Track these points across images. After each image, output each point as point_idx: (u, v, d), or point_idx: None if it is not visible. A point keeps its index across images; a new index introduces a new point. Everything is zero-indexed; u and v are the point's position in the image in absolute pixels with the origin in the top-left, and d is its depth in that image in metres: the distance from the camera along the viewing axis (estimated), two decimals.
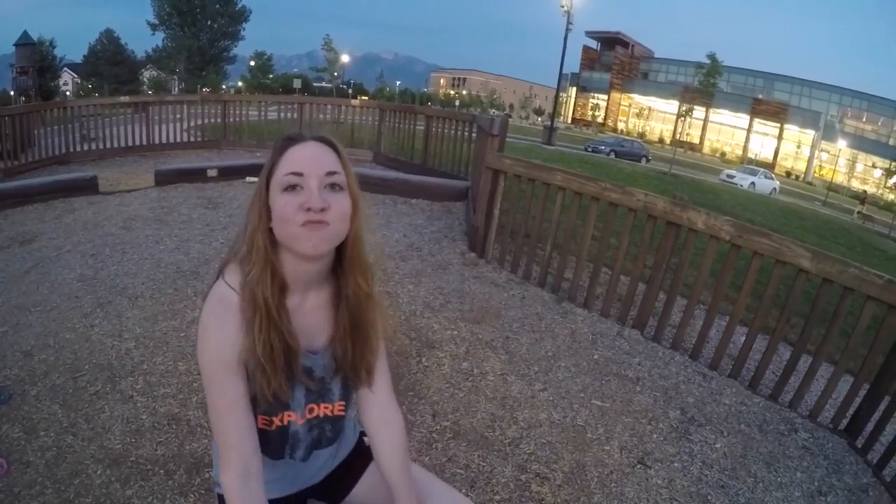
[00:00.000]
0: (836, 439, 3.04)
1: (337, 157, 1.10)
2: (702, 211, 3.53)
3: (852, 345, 3.12)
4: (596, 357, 3.45)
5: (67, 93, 49.28)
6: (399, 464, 1.26)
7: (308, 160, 1.06)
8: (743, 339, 3.51)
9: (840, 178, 48.69)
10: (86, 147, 8.97)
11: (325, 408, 1.23)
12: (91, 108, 9.55)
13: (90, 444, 2.26)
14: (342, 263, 1.14)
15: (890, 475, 2.74)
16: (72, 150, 8.72)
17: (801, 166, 51.97)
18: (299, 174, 1.05)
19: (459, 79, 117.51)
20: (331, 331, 1.19)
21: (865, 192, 42.13)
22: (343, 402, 1.26)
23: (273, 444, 1.20)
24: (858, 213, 27.55)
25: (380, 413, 1.29)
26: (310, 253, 1.05)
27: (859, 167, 50.62)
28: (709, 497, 2.41)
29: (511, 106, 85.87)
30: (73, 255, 4.23)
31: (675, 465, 2.59)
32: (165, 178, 6.71)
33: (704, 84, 26.29)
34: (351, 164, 1.13)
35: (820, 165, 51.57)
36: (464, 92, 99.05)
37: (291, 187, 1.05)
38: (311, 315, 1.16)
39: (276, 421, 1.17)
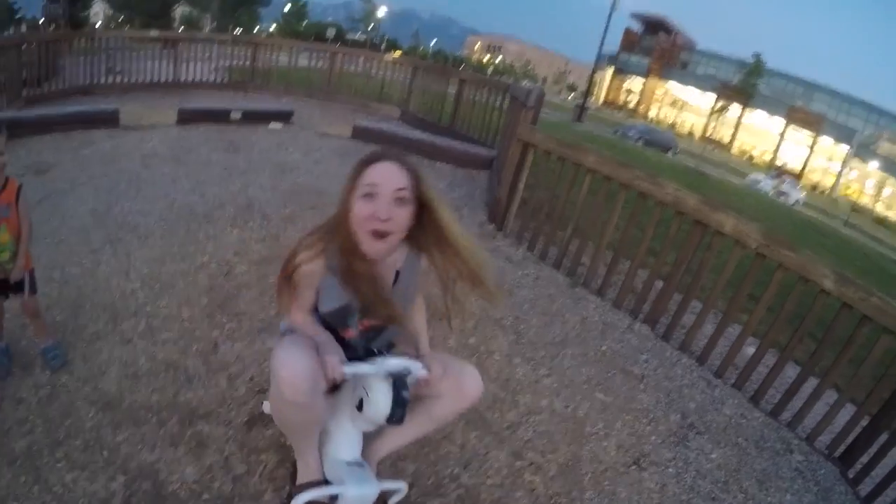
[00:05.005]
0: (830, 466, 2.98)
1: (407, 174, 1.49)
2: (731, 214, 3.42)
3: (860, 375, 3.04)
4: (604, 349, 3.40)
5: (97, 24, 48.92)
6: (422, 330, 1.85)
7: (384, 175, 1.48)
8: (752, 350, 3.43)
9: (866, 200, 47.65)
10: (111, 80, 8.89)
11: (373, 322, 1.68)
12: (119, 41, 9.47)
13: (85, 385, 2.23)
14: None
15: None
16: (96, 81, 8.64)
17: (828, 181, 50.75)
18: (375, 185, 1.47)
19: (495, 45, 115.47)
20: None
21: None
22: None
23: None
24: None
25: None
26: (368, 256, 1.51)
27: (887, 192, 49.38)
28: None
29: (545, 79, 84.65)
30: (88, 189, 4.20)
31: (670, 470, 2.55)
32: (188, 117, 6.65)
33: (745, 83, 25.76)
34: (426, 179, 1.55)
35: (847, 184, 50.37)
36: (498, 59, 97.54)
37: (368, 196, 1.47)
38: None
39: (339, 333, 1.67)
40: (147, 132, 6.06)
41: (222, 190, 4.49)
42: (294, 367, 1.43)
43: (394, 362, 1.53)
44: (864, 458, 2.93)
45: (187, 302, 2.90)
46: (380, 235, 1.47)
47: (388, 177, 1.47)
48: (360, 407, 1.58)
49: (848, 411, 3.14)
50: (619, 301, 3.94)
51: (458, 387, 1.69)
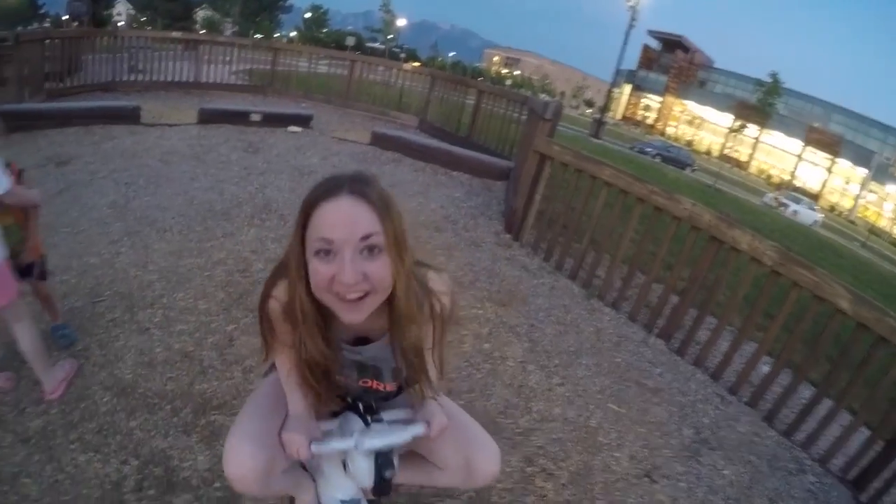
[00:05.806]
0: (842, 489, 2.92)
1: (373, 212, 1.04)
2: (747, 231, 3.39)
3: (876, 398, 3.00)
4: (618, 360, 3.37)
5: (120, 23, 49.68)
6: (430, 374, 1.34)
7: (341, 224, 1.02)
8: (767, 369, 3.39)
9: (884, 223, 47.14)
10: (132, 77, 8.99)
11: (377, 384, 1.34)
12: (142, 41, 9.59)
13: (101, 371, 2.26)
14: (393, 305, 1.15)
15: None
16: (118, 79, 8.74)
17: (846, 203, 50.25)
18: (330, 241, 1.02)
19: (513, 59, 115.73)
20: (381, 331, 1.25)
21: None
22: (395, 384, 1.35)
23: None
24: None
25: None
26: (346, 323, 1.11)
27: None
28: None
29: (562, 94, 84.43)
30: (107, 182, 4.24)
31: (682, 484, 2.51)
32: (208, 117, 6.71)
33: (762, 102, 25.55)
34: (395, 209, 1.09)
35: (865, 206, 49.82)
36: (516, 72, 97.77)
37: (324, 252, 1.03)
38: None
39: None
40: (167, 130, 6.13)
41: (240, 189, 4.52)
42: (242, 466, 1.21)
43: (375, 441, 1.29)
44: (878, 483, 2.87)
45: (204, 296, 2.92)
46: (352, 300, 1.07)
47: (346, 223, 1.02)
48: (346, 467, 1.43)
49: (863, 434, 3.09)
50: (633, 314, 3.91)
51: (469, 466, 1.37)
